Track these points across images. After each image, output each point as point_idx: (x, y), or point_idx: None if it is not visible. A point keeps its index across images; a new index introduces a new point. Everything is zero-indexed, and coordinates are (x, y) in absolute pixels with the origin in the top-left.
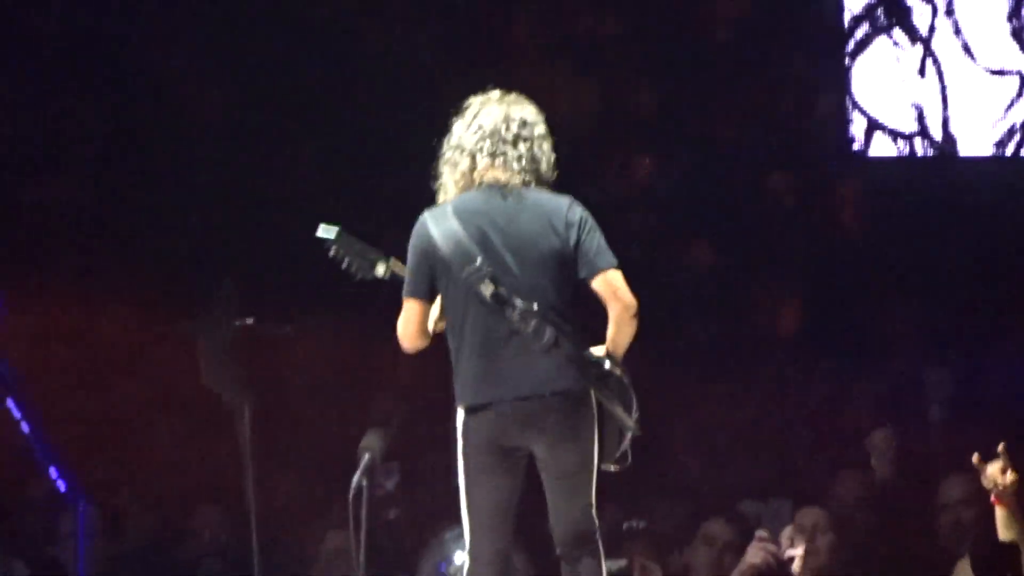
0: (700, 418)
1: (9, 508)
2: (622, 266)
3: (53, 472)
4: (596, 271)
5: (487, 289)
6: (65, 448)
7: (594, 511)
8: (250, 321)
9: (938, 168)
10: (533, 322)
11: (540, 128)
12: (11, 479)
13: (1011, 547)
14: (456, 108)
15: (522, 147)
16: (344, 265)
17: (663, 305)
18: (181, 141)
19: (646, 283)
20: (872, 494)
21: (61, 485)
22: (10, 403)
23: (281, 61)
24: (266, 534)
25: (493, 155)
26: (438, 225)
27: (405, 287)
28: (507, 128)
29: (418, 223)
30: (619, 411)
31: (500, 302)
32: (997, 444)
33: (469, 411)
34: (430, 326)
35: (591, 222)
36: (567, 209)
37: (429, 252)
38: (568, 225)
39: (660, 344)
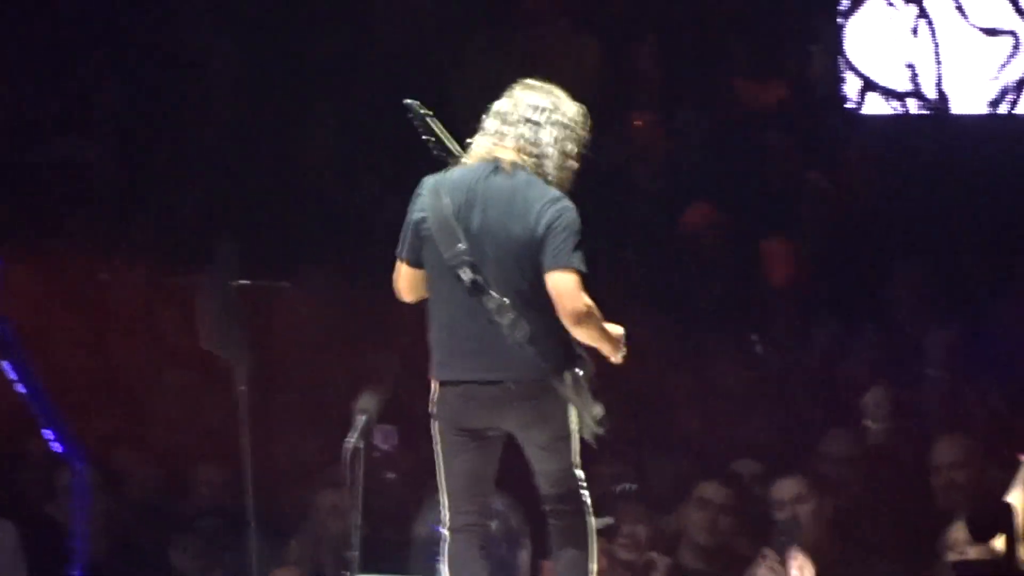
0: (700, 376)
1: (5, 467)
2: (625, 224)
3: (50, 433)
4: (547, 270)
5: (466, 276)
6: (66, 405)
7: (577, 470)
8: (246, 282)
9: (932, 127)
10: (509, 316)
11: (553, 116)
12: (7, 438)
13: (1006, 507)
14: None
15: (524, 127)
16: (428, 141)
17: (665, 263)
18: (189, 101)
19: (648, 241)
20: (863, 454)
21: (58, 446)
22: (6, 365)
23: (290, 23)
24: (264, 492)
25: (495, 133)
26: (431, 197)
27: (398, 245)
28: (515, 109)
29: (418, 189)
30: (582, 412)
31: (477, 290)
32: (993, 404)
33: (440, 385)
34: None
35: (566, 222)
36: (547, 203)
37: (418, 223)
38: (539, 217)
39: (662, 302)
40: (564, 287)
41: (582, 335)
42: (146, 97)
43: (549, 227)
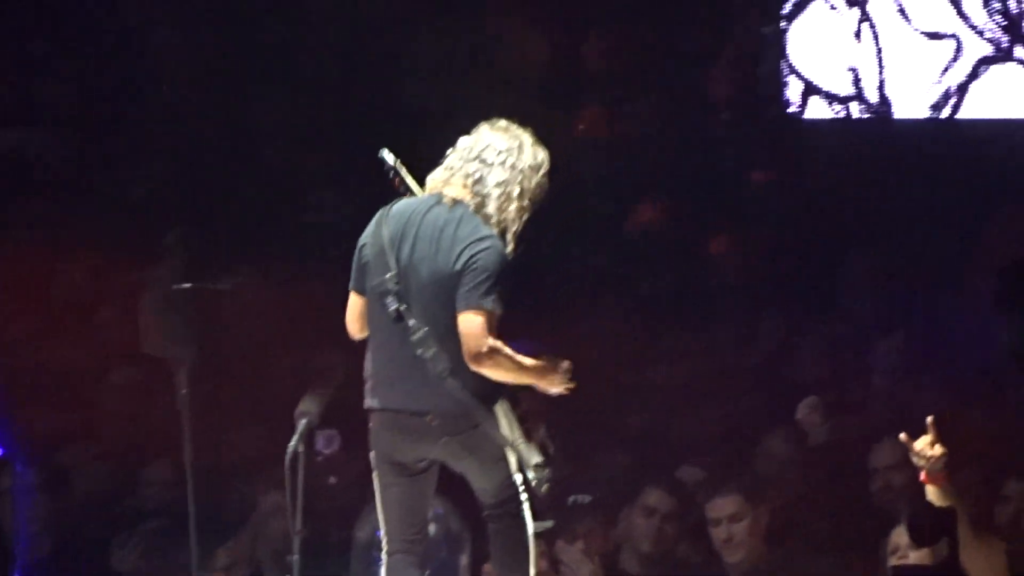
0: (647, 375)
1: None
2: (571, 217)
3: None
4: (457, 310)
5: (391, 304)
6: (11, 403)
7: (516, 475)
8: (188, 285)
9: (874, 131)
10: (431, 348)
11: (507, 158)
12: None
13: (948, 511)
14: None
15: (475, 166)
16: (398, 187)
17: (611, 260)
18: (138, 93)
19: (594, 237)
20: (802, 458)
21: None
22: None
23: (243, 17)
24: (208, 493)
25: (448, 168)
26: (375, 225)
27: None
28: (474, 146)
29: (374, 216)
30: (518, 454)
31: (400, 319)
32: (936, 406)
33: (369, 412)
34: None
35: (484, 262)
36: (472, 242)
37: (360, 249)
38: (460, 255)
39: (609, 299)
40: (467, 328)
41: (489, 375)
42: (93, 88)
43: (466, 266)
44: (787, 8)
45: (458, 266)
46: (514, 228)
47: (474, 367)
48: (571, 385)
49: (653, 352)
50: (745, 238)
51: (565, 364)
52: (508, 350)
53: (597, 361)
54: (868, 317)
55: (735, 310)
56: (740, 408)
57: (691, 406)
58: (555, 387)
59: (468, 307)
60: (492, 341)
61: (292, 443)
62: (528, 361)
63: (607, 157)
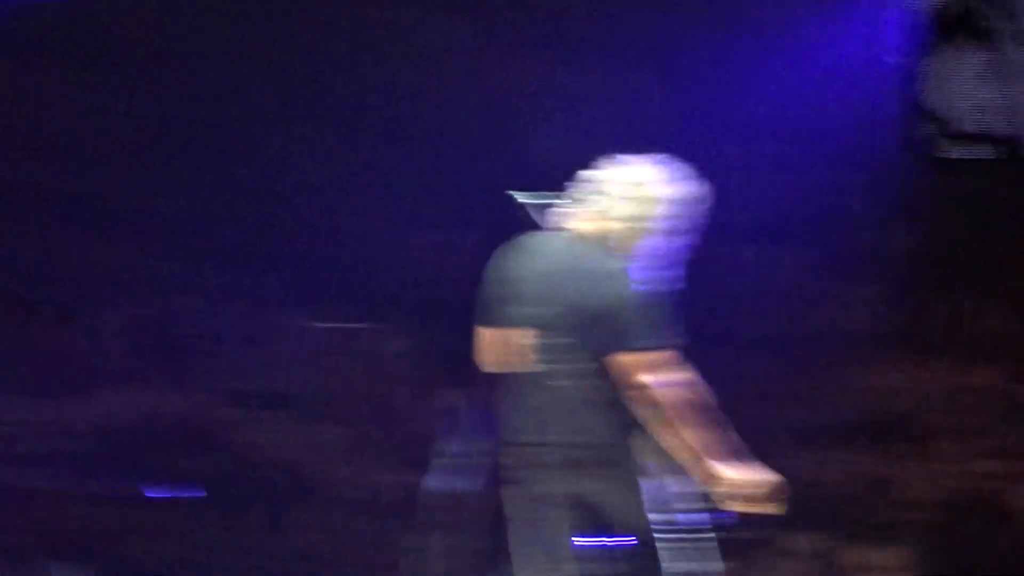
0: (784, 416)
1: None
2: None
3: None
4: (610, 351)
5: (523, 338)
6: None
7: (655, 514)
8: (332, 324)
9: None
10: (563, 381)
11: (634, 191)
12: None
13: None
14: None
15: (598, 199)
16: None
17: (731, 308)
18: (155, 123)
19: (698, 279)
20: (937, 503)
21: None
22: None
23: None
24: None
25: (577, 201)
26: (506, 259)
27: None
28: (596, 180)
29: (499, 251)
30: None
31: (534, 352)
32: None
33: (504, 446)
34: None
35: (628, 300)
36: (614, 278)
37: (488, 283)
38: (604, 294)
39: (735, 341)
40: (625, 367)
41: (652, 417)
42: (112, 114)
43: (614, 302)
44: (918, 46)
45: (605, 303)
46: (646, 260)
47: (640, 403)
48: (760, 508)
49: (788, 394)
50: (876, 285)
51: (767, 483)
52: (671, 394)
53: (727, 401)
54: (998, 363)
55: (865, 357)
56: (871, 452)
57: (823, 448)
58: (724, 494)
59: (621, 349)
60: (645, 378)
61: (432, 481)
62: (703, 437)
63: (728, 200)
